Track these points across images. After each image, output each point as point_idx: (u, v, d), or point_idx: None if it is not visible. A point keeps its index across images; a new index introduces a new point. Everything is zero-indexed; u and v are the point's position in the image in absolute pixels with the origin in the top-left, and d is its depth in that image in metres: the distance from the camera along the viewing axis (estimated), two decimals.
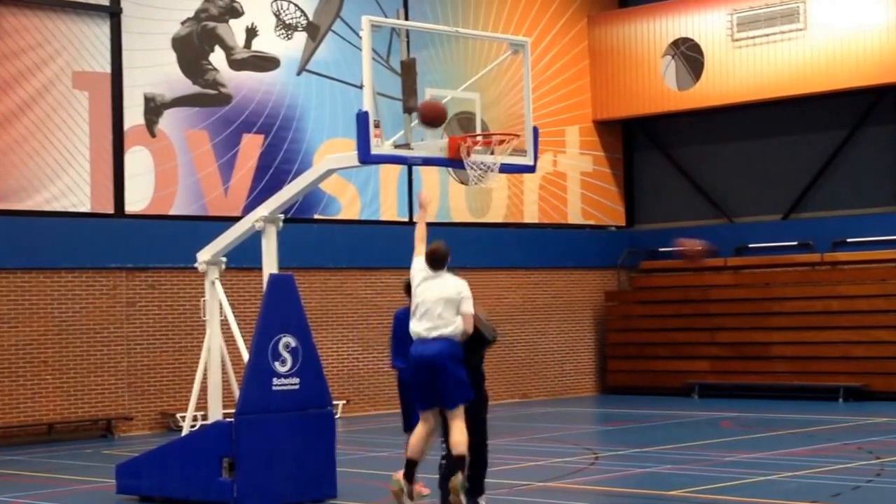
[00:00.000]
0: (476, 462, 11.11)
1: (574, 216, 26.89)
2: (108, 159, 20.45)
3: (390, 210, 23.97)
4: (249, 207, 20.08)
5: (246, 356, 12.96)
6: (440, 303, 10.65)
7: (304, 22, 23.03)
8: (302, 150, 22.70)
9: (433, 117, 11.72)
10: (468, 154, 12.19)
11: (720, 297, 25.38)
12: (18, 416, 19.41)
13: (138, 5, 20.88)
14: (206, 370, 14.04)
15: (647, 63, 26.35)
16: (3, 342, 19.31)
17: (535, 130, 13.05)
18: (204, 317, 14.18)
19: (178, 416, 20.03)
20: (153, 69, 21.02)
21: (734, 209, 26.36)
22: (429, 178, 24.25)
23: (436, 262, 10.88)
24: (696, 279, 26.12)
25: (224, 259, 14.18)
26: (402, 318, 11.87)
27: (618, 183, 27.67)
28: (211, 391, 14.01)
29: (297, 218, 21.65)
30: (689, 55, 25.76)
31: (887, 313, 23.08)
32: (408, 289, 11.63)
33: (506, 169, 12.66)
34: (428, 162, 12.85)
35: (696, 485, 13.18)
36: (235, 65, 22.08)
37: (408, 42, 12.85)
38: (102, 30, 20.51)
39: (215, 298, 14.06)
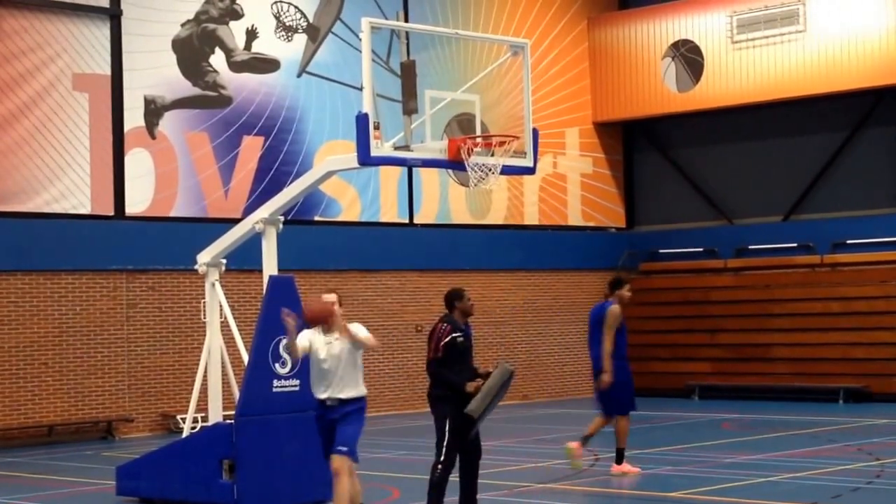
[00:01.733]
0: (469, 475, 11.23)
1: (574, 218, 26.89)
2: (109, 161, 20.46)
3: (390, 212, 23.97)
4: (250, 209, 20.08)
5: (246, 358, 12.97)
6: None
7: (305, 24, 23.04)
8: (302, 151, 22.70)
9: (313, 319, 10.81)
10: (468, 155, 12.20)
11: (720, 298, 25.38)
12: (19, 418, 19.41)
13: (138, 7, 20.88)
14: (206, 372, 14.04)
15: (647, 65, 26.36)
16: (4, 344, 19.30)
17: (535, 132, 13.07)
18: (204, 318, 14.18)
19: (179, 417, 20.03)
20: (153, 71, 21.03)
21: (734, 211, 26.36)
22: (428, 179, 24.26)
23: None
24: (696, 281, 26.12)
25: (224, 261, 14.18)
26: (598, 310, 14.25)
27: (618, 184, 27.67)
28: (211, 393, 14.01)
29: (298, 220, 21.65)
30: (688, 57, 25.77)
31: (887, 315, 23.08)
32: (612, 285, 14.39)
33: (506, 171, 12.68)
34: (427, 164, 12.87)
35: (697, 486, 13.19)
36: (235, 66, 22.08)
37: (408, 44, 12.87)
38: (102, 32, 20.52)
39: (215, 300, 14.06)
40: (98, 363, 20.11)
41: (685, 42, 25.86)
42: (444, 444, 10.94)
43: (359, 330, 10.49)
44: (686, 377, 25.16)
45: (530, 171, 13.31)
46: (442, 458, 10.90)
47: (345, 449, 10.33)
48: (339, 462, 10.32)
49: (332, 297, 10.60)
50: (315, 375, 10.56)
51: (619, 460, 14.26)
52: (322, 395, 10.52)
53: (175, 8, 21.40)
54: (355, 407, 10.52)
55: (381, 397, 23.18)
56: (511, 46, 13.45)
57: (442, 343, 11.05)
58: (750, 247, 25.79)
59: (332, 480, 10.37)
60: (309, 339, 10.56)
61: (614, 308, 14.17)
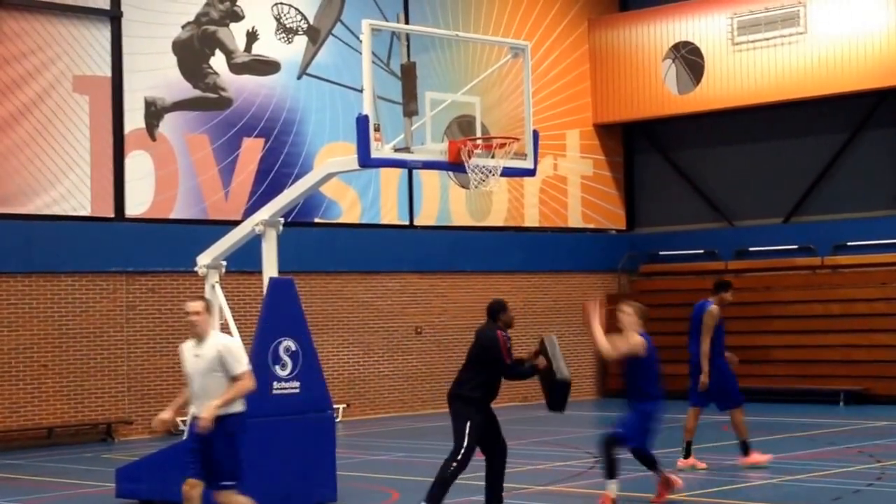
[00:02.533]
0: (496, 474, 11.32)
1: (574, 220, 26.87)
2: (109, 163, 20.45)
3: (391, 213, 23.96)
4: (250, 211, 20.05)
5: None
6: None
7: (305, 25, 23.02)
8: (302, 153, 22.69)
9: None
10: (469, 157, 12.20)
11: None
12: (18, 420, 19.40)
13: (139, 9, 20.86)
14: None
15: (647, 66, 26.34)
16: (4, 346, 19.29)
17: (536, 134, 13.06)
18: None
19: (179, 420, 19.98)
20: (154, 73, 21.02)
21: (735, 212, 26.35)
22: (429, 181, 24.25)
23: None
24: (696, 283, 26.07)
25: (224, 263, 14.16)
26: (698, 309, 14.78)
27: (618, 186, 27.65)
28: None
29: (298, 222, 21.62)
30: (689, 59, 25.76)
31: (888, 317, 23.06)
32: (717, 287, 15.13)
33: (506, 172, 12.69)
34: (428, 165, 12.87)
35: (697, 488, 13.17)
36: (236, 68, 22.07)
37: (408, 46, 12.86)
38: (103, 33, 20.50)
39: (215, 302, 14.04)
40: (98, 365, 20.10)
41: (686, 44, 25.84)
42: (464, 445, 10.98)
43: (232, 392, 9.78)
44: (686, 379, 25.04)
45: (531, 172, 13.31)
46: (459, 458, 10.95)
47: (230, 483, 9.88)
48: (225, 498, 9.88)
49: (196, 306, 9.96)
50: (190, 389, 10.03)
51: (745, 452, 14.55)
52: (195, 410, 9.99)
53: (175, 10, 21.39)
54: (228, 424, 9.83)
55: (380, 399, 23.16)
56: (511, 48, 13.44)
57: (508, 348, 11.74)
58: (750, 249, 25.78)
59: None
60: (180, 351, 10.15)
61: (713, 309, 14.79)
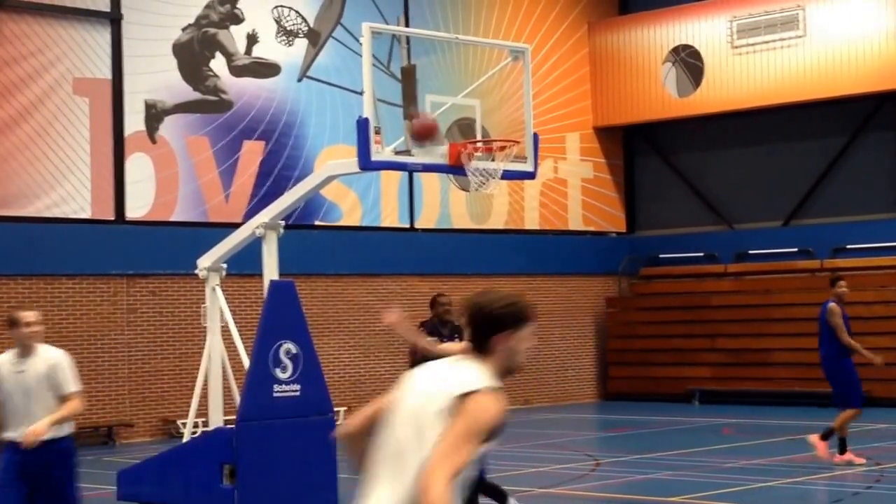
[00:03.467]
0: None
1: (575, 223, 26.89)
2: (109, 166, 20.46)
3: (391, 216, 23.97)
4: (250, 214, 20.05)
5: (247, 363, 12.96)
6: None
7: (305, 28, 23.04)
8: (303, 156, 22.71)
9: (425, 134, 11.34)
10: (469, 160, 12.22)
11: (721, 303, 25.38)
12: None
13: (139, 11, 20.89)
14: (206, 377, 14.03)
15: (647, 70, 26.37)
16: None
17: (536, 137, 13.09)
18: (205, 323, 14.17)
19: (179, 422, 20.00)
20: (154, 75, 21.04)
21: (735, 215, 26.37)
22: (429, 184, 24.27)
23: None
24: (696, 285, 26.12)
25: (225, 265, 14.17)
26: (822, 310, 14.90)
27: (618, 189, 27.68)
28: (212, 398, 14.01)
29: (298, 224, 21.61)
30: (689, 62, 25.79)
31: (887, 320, 23.07)
32: (830, 284, 15.03)
33: (506, 175, 12.72)
34: (428, 168, 12.89)
35: (697, 491, 13.19)
36: (236, 71, 22.10)
37: (408, 48, 12.91)
38: (103, 36, 20.52)
39: (216, 305, 14.05)
40: (98, 368, 20.10)
41: (685, 47, 25.87)
42: None
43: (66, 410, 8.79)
44: (686, 382, 25.15)
45: (531, 175, 13.34)
46: None
47: None
48: None
49: (36, 316, 9.09)
50: (5, 411, 8.83)
51: (831, 443, 14.81)
52: (15, 435, 8.75)
53: (176, 12, 21.41)
54: (61, 448, 8.85)
55: None
56: (511, 51, 13.47)
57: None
58: (750, 252, 25.80)
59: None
60: None
61: (832, 307, 15.05)
